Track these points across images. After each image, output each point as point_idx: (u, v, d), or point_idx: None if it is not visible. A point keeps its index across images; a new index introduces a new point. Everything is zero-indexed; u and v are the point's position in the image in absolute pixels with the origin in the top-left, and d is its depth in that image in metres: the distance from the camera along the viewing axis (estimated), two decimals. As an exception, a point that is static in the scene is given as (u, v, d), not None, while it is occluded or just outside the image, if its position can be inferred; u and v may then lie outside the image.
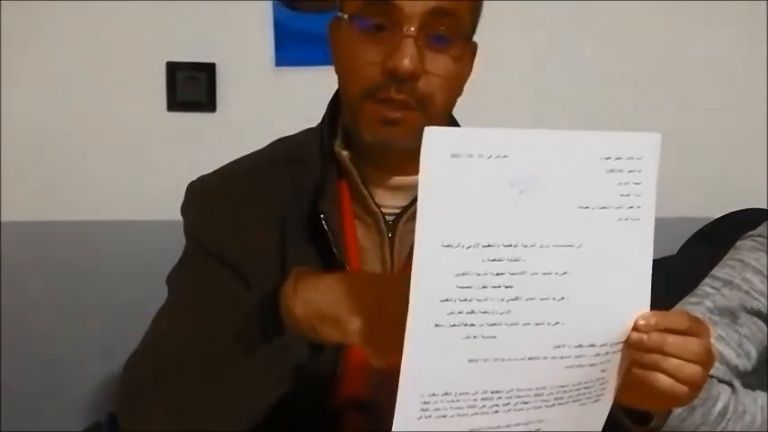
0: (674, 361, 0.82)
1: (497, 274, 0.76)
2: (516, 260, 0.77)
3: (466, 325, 0.76)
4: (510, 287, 0.77)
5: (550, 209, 0.77)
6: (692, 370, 0.83)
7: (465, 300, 0.76)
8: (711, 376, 1.21)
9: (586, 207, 0.79)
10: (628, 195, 0.80)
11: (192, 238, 1.11)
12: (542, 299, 0.78)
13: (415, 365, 0.76)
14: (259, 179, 1.10)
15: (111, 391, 1.99)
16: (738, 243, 1.29)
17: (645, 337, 0.82)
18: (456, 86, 1.04)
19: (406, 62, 0.97)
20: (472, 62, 1.08)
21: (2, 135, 2.04)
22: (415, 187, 1.06)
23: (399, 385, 0.76)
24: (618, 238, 0.81)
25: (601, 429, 0.88)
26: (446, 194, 0.74)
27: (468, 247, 0.75)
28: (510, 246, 0.76)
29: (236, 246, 1.06)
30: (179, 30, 2.05)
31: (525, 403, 0.81)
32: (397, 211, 1.09)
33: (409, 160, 0.99)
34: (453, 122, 1.13)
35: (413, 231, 1.06)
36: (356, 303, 0.84)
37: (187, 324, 0.99)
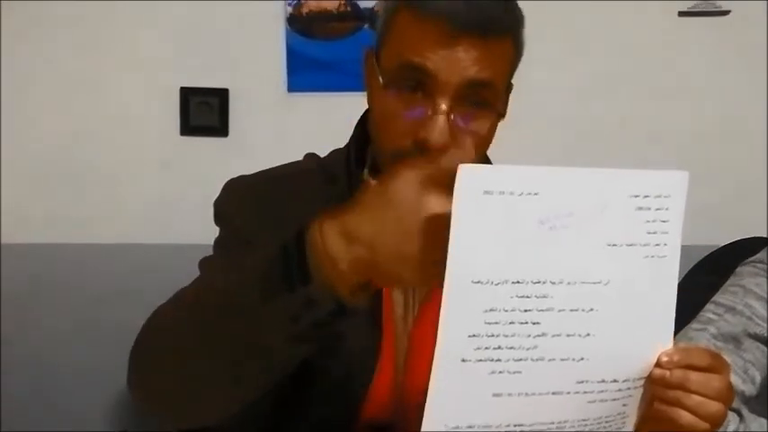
0: (696, 398, 0.83)
1: (525, 311, 0.77)
2: (544, 297, 0.78)
3: (492, 360, 0.77)
4: (537, 323, 0.78)
5: (579, 246, 0.78)
6: (714, 407, 0.83)
7: (492, 335, 0.77)
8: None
9: (614, 244, 0.80)
10: (655, 233, 0.81)
11: (226, 226, 1.10)
12: (568, 335, 0.79)
13: (440, 398, 0.77)
14: (296, 185, 1.11)
15: (113, 413, 2.01)
16: (739, 269, 1.29)
17: (668, 373, 0.83)
18: (485, 146, 1.04)
19: (437, 137, 0.96)
20: (506, 105, 1.07)
21: (5, 156, 2.06)
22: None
23: (424, 417, 0.77)
24: (644, 275, 0.82)
25: None
26: (477, 231, 0.75)
27: (497, 284, 0.76)
28: (538, 282, 0.77)
29: (270, 238, 1.05)
30: (192, 55, 2.08)
31: None
32: None
33: None
34: (486, 161, 1.15)
35: None
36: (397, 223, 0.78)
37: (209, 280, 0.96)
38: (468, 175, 0.74)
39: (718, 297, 1.26)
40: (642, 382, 0.84)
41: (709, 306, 1.25)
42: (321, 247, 0.79)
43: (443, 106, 0.96)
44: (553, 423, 0.82)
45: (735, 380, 1.22)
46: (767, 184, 2.13)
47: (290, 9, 2.09)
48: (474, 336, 0.76)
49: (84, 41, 2.06)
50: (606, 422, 0.85)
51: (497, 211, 0.75)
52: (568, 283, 0.79)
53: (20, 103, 2.06)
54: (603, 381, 0.82)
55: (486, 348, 0.77)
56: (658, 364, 0.83)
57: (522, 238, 0.76)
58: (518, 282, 0.77)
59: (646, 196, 0.80)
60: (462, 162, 0.97)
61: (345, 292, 0.80)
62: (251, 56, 2.09)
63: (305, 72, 2.10)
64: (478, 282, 0.76)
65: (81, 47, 2.06)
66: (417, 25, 0.97)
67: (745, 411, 1.21)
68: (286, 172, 1.15)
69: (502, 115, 1.03)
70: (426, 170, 0.79)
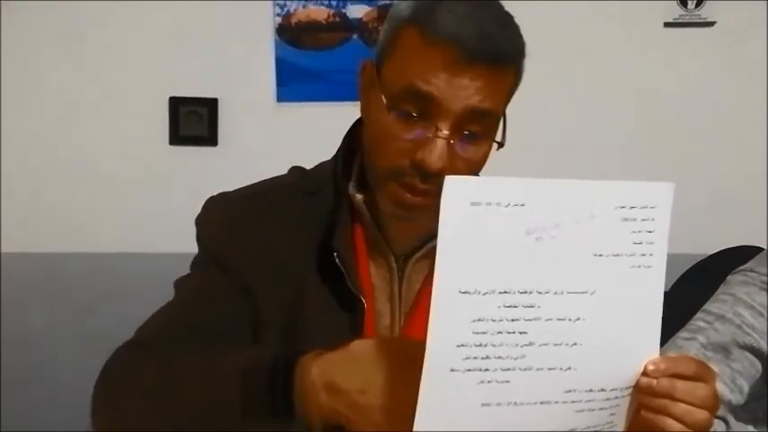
0: (683, 406, 0.84)
1: (513, 320, 0.78)
2: (531, 306, 0.78)
3: (481, 370, 0.78)
4: (525, 333, 0.78)
5: (565, 256, 0.79)
6: (700, 415, 0.84)
7: (480, 345, 0.77)
8: (706, 412, 1.22)
9: (600, 255, 0.80)
10: (641, 243, 0.82)
11: (205, 249, 1.11)
12: (555, 344, 0.80)
13: (429, 408, 0.77)
14: (277, 204, 1.11)
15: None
16: (729, 277, 1.29)
17: (654, 382, 0.83)
18: (478, 169, 1.05)
19: (435, 160, 0.97)
20: (504, 133, 1.08)
21: (3, 167, 2.06)
22: (425, 229, 1.08)
23: (414, 428, 0.77)
24: (630, 285, 0.82)
25: None
26: (465, 242, 0.75)
27: (484, 294, 0.76)
28: (525, 292, 0.78)
29: (250, 266, 1.06)
30: (182, 65, 2.08)
31: None
32: (408, 251, 1.10)
33: None
34: None
35: (423, 271, 1.10)
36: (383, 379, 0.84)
37: (178, 331, 1.01)
38: (454, 187, 0.75)
39: (708, 305, 1.26)
40: (630, 391, 0.85)
41: (699, 314, 1.26)
42: (310, 389, 0.86)
43: (445, 131, 0.98)
44: None
45: (723, 389, 1.22)
46: (766, 191, 2.14)
47: (279, 19, 2.10)
48: (462, 345, 0.77)
49: (74, 53, 2.06)
50: (594, 431, 0.85)
51: (484, 222, 0.76)
52: (555, 293, 0.79)
53: (18, 117, 2.06)
54: (591, 390, 0.83)
55: (475, 358, 0.77)
56: (645, 373, 0.84)
57: (509, 249, 0.77)
58: (505, 292, 0.77)
59: (632, 207, 0.81)
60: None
61: (320, 429, 0.87)
62: (240, 66, 2.09)
63: (294, 82, 2.10)
64: (466, 292, 0.76)
65: (72, 59, 2.07)
66: (425, 49, 0.98)
67: (731, 420, 1.21)
68: (267, 188, 1.15)
69: (501, 145, 1.04)
70: (410, 348, 0.81)
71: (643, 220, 0.81)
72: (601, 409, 0.84)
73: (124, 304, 2.03)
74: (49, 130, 2.08)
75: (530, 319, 0.78)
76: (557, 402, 0.82)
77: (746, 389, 1.23)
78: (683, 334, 1.24)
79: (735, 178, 2.15)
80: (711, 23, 2.11)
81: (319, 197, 1.11)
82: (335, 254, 1.05)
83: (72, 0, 2.04)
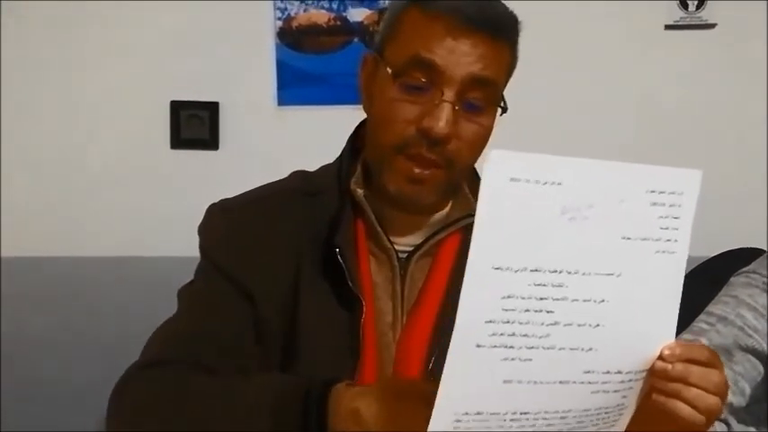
0: (695, 391, 0.85)
1: (541, 299, 0.78)
2: (560, 286, 0.79)
3: (506, 347, 0.78)
4: (551, 312, 0.79)
5: (595, 238, 0.79)
6: (712, 400, 0.86)
7: (508, 322, 0.77)
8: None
9: (628, 238, 0.81)
10: (667, 229, 0.83)
11: (207, 257, 1.12)
12: (579, 325, 0.80)
13: (452, 384, 0.77)
14: (277, 208, 1.12)
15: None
16: (732, 279, 1.30)
17: (669, 366, 0.84)
18: (482, 147, 1.07)
19: (442, 125, 1.00)
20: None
21: (3, 170, 2.06)
22: (427, 226, 1.11)
23: (435, 403, 0.77)
24: (653, 270, 0.83)
25: None
26: (502, 217, 0.76)
27: (516, 271, 0.77)
28: (555, 272, 0.78)
29: (250, 271, 1.08)
30: (183, 69, 2.09)
31: (550, 425, 0.83)
32: (410, 248, 1.11)
33: None
34: (475, 176, 1.16)
35: (425, 269, 1.11)
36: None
37: (188, 345, 1.03)
38: (498, 162, 0.75)
39: (710, 307, 1.27)
40: (643, 374, 0.85)
41: (701, 316, 1.26)
42: (341, 418, 0.90)
43: (449, 95, 1.01)
44: (557, 412, 0.83)
45: (725, 391, 1.22)
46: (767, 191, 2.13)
47: (280, 23, 2.10)
48: (490, 321, 0.77)
49: (74, 56, 2.07)
50: (606, 413, 0.86)
51: (522, 198, 0.76)
52: (583, 274, 0.79)
53: (18, 119, 2.06)
54: (608, 372, 0.83)
55: (501, 335, 0.77)
56: (661, 357, 0.85)
57: (544, 227, 0.77)
58: (536, 270, 0.77)
59: (661, 192, 0.82)
60: (463, 151, 1.02)
61: None
62: (241, 69, 2.10)
63: (295, 85, 2.10)
64: (498, 268, 0.76)
65: (72, 61, 2.07)
66: (427, 22, 1.02)
67: (733, 422, 1.21)
68: (268, 192, 1.16)
69: (504, 110, 1.07)
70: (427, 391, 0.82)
71: (671, 205, 0.82)
72: (615, 391, 0.85)
73: (125, 308, 2.04)
74: (50, 132, 2.08)
75: (557, 299, 0.79)
76: (574, 383, 0.82)
77: (748, 391, 1.23)
78: (685, 336, 1.24)
79: (735, 180, 2.15)
80: (712, 26, 2.11)
81: (321, 198, 1.12)
82: (337, 250, 1.06)
83: (72, 0, 2.04)
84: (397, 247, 1.11)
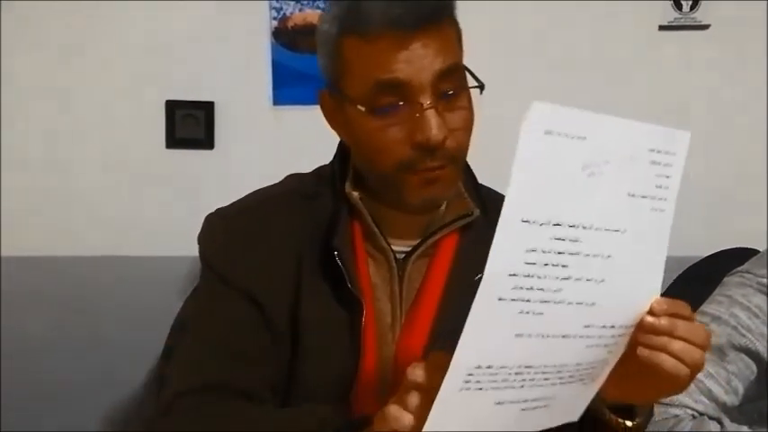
0: (680, 343, 0.86)
1: (558, 253, 0.78)
2: (575, 241, 0.79)
3: (523, 300, 0.78)
4: (566, 267, 0.79)
5: (608, 194, 0.80)
6: (697, 354, 0.87)
7: (528, 276, 0.77)
8: (702, 413, 1.23)
9: (633, 195, 0.82)
10: (660, 187, 0.84)
11: (210, 268, 1.13)
12: (587, 280, 0.81)
13: (472, 338, 0.77)
14: (274, 213, 1.13)
15: (111, 425, 2.01)
16: (726, 279, 1.30)
17: (657, 320, 0.85)
18: (472, 124, 1.07)
19: (435, 132, 1.00)
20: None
21: (3, 170, 2.06)
22: (424, 226, 1.11)
23: (453, 359, 0.77)
24: (648, 227, 0.84)
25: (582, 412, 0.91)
26: (535, 170, 0.76)
27: (541, 225, 0.77)
28: (573, 226, 0.79)
29: (253, 278, 1.08)
30: (178, 68, 2.08)
31: (546, 380, 0.84)
32: (408, 248, 1.12)
33: None
34: (469, 173, 1.17)
35: (422, 269, 1.12)
36: None
37: (220, 369, 1.05)
38: (536, 113, 0.75)
39: (704, 307, 1.27)
40: (631, 329, 0.86)
41: (695, 316, 1.26)
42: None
43: (427, 101, 1.00)
44: (555, 366, 0.84)
45: (718, 390, 1.23)
46: (766, 194, 2.14)
47: (275, 23, 2.10)
48: (513, 275, 0.76)
49: (70, 56, 2.06)
50: (592, 368, 0.87)
51: (552, 152, 0.76)
52: (596, 230, 0.80)
53: (16, 118, 2.06)
54: (604, 326, 0.84)
55: (521, 288, 0.77)
56: (650, 312, 0.85)
57: (567, 181, 0.78)
58: (558, 224, 0.78)
59: (659, 151, 0.83)
60: (460, 141, 1.02)
61: None
62: (236, 69, 2.10)
63: (290, 85, 2.10)
64: (527, 221, 0.76)
65: (69, 62, 2.06)
66: (370, 46, 1.00)
67: (726, 421, 1.22)
68: (264, 197, 1.16)
69: (482, 87, 1.06)
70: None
71: (665, 164, 0.84)
72: (605, 345, 0.86)
73: (120, 307, 2.04)
74: (47, 132, 2.08)
75: (573, 253, 0.79)
76: (574, 337, 0.83)
77: (741, 390, 1.23)
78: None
79: (733, 181, 2.16)
80: (706, 26, 2.12)
81: (317, 200, 1.12)
82: (336, 253, 1.06)
83: (71, 0, 2.04)
84: (394, 247, 1.11)
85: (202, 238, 1.15)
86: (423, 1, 1.01)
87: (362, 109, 1.02)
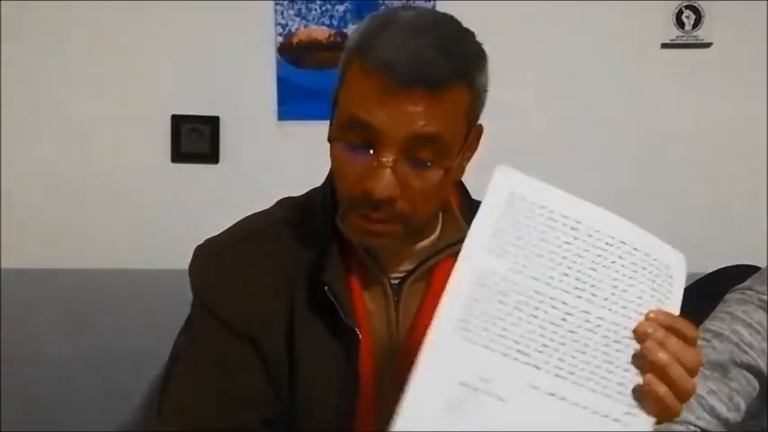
0: (678, 370, 0.84)
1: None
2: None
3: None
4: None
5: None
6: (691, 384, 0.86)
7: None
8: (704, 430, 1.23)
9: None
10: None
11: (201, 301, 1.11)
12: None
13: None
14: (265, 246, 1.11)
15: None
16: (727, 296, 1.30)
17: (650, 329, 0.85)
18: (436, 197, 1.03)
19: (380, 189, 0.97)
20: (478, 143, 1.08)
21: (4, 183, 2.07)
22: (418, 252, 1.10)
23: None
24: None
25: None
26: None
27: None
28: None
29: (247, 314, 1.07)
30: (184, 83, 2.10)
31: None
32: (402, 274, 1.10)
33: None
34: (465, 193, 1.16)
35: (418, 294, 1.10)
36: None
37: (218, 410, 1.03)
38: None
39: (706, 324, 1.27)
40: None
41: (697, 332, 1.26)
42: None
43: (388, 159, 0.97)
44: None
45: (720, 407, 1.23)
46: (766, 208, 2.14)
47: (280, 39, 2.12)
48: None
49: (75, 71, 2.08)
50: None
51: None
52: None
53: (18, 130, 2.07)
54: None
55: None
56: (645, 318, 0.85)
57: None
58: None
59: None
60: (415, 205, 1.01)
61: None
62: (242, 84, 2.11)
63: (295, 100, 2.12)
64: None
65: (73, 76, 2.08)
66: (364, 79, 0.97)
67: (729, 438, 1.22)
68: (253, 230, 1.14)
69: (454, 169, 1.02)
70: None
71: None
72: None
73: (125, 320, 2.04)
74: (50, 145, 2.09)
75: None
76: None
77: (744, 407, 1.23)
78: (681, 352, 1.24)
79: (733, 198, 2.16)
80: (708, 44, 2.13)
81: (308, 228, 1.11)
82: (327, 288, 1.05)
83: (74, 12, 2.06)
84: (389, 273, 1.10)
85: (192, 271, 1.13)
86: (435, 62, 0.95)
87: (335, 134, 1.01)
